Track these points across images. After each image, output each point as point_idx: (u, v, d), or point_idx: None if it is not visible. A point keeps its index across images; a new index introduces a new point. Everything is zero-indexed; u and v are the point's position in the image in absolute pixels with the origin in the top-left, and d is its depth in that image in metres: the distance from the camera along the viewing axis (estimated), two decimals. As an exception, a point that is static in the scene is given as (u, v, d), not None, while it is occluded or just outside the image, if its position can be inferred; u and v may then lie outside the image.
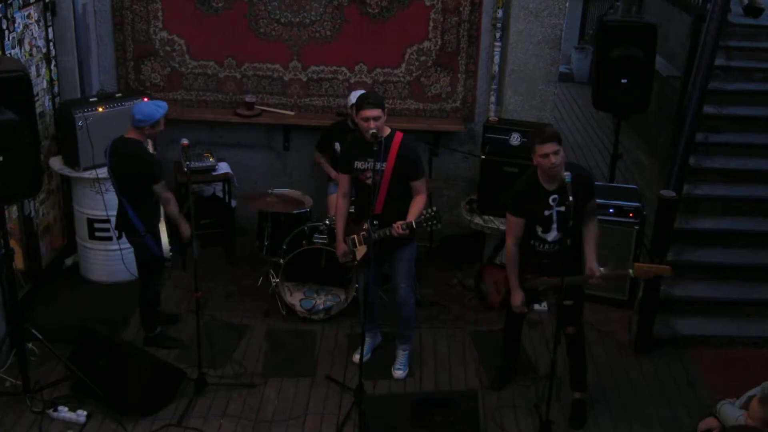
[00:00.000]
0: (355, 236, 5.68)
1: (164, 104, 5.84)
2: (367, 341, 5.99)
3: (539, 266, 5.33)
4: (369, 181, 5.48)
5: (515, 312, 5.49)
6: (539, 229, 5.21)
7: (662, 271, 5.15)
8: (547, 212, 5.14)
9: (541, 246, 5.25)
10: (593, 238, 5.28)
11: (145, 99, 6.90)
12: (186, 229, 5.87)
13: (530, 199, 5.18)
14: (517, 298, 5.37)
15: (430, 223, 5.46)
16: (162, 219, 5.93)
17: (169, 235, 5.99)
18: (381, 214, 5.50)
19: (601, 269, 5.19)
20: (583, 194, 5.08)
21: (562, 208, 5.08)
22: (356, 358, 5.99)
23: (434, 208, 5.48)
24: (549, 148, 4.95)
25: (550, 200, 5.13)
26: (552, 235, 5.19)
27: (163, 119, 5.76)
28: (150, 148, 5.98)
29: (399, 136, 5.52)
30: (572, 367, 5.58)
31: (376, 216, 5.49)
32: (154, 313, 6.14)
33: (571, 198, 4.82)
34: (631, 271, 5.16)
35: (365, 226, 5.47)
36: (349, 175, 5.66)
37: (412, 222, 5.45)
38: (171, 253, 5.96)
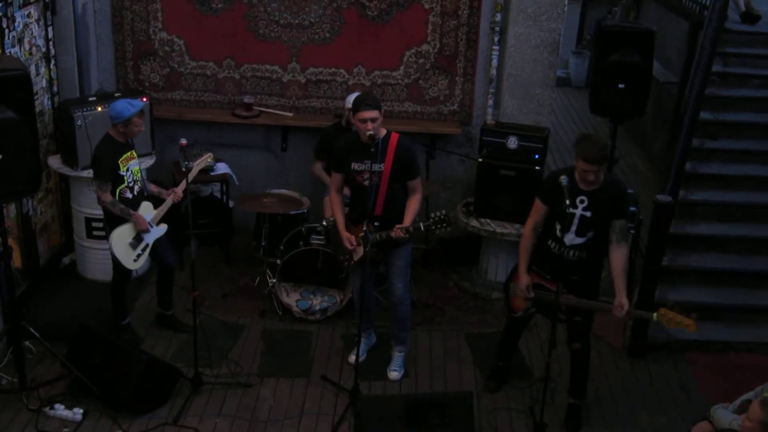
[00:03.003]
0: (354, 237, 5.69)
1: (139, 103, 5.85)
2: (362, 341, 6.01)
3: (554, 272, 5.30)
4: (366, 183, 5.50)
5: (520, 306, 5.53)
6: (558, 227, 5.20)
7: (686, 324, 4.96)
8: (570, 210, 5.09)
9: (557, 248, 5.23)
10: (622, 269, 5.18)
11: (145, 99, 6.93)
12: (137, 219, 5.87)
13: (560, 190, 5.09)
14: (523, 281, 5.37)
15: (438, 226, 5.48)
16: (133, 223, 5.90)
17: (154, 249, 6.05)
18: (380, 215, 5.53)
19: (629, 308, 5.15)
20: (610, 208, 5.10)
21: (588, 213, 5.07)
22: (352, 358, 6.02)
23: (443, 212, 5.49)
24: (589, 167, 4.97)
25: (578, 200, 5.13)
26: (569, 238, 5.15)
27: (137, 119, 5.75)
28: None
29: (395, 136, 5.55)
30: (573, 378, 5.59)
31: (376, 217, 5.52)
32: (116, 305, 6.17)
33: (567, 201, 4.85)
34: (654, 315, 5.07)
35: (364, 228, 5.48)
36: (342, 174, 5.68)
37: (410, 227, 5.48)
38: (127, 264, 5.92)
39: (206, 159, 6.26)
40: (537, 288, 5.39)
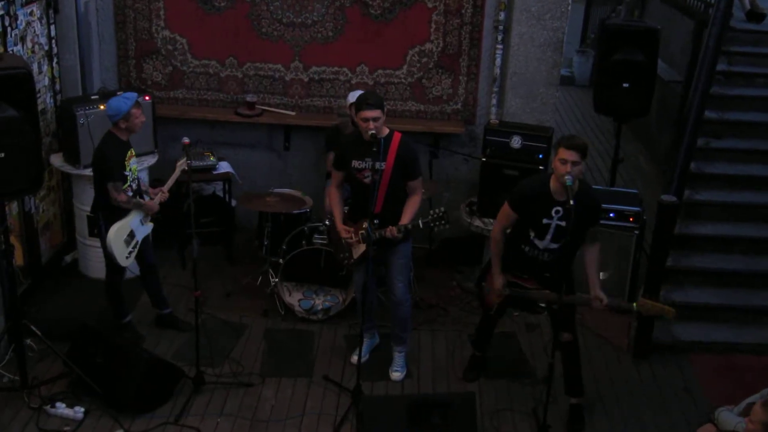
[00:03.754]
0: (352, 229, 5.67)
1: (133, 95, 5.82)
2: (366, 342, 6.01)
3: (529, 273, 5.33)
4: (367, 180, 5.49)
5: (494, 302, 5.53)
6: (532, 234, 5.20)
7: (665, 312, 5.04)
8: (545, 221, 5.13)
9: (532, 252, 5.25)
10: (595, 264, 5.28)
11: (147, 97, 6.92)
12: (149, 206, 5.91)
13: (533, 202, 5.17)
14: (498, 282, 5.39)
15: (438, 223, 5.47)
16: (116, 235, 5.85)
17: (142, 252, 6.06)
18: (380, 213, 5.52)
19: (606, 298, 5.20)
20: (586, 218, 5.07)
21: (563, 223, 5.07)
22: (354, 359, 6.00)
23: (442, 209, 5.50)
24: (570, 155, 4.92)
25: (553, 211, 5.11)
26: (544, 244, 5.19)
27: (135, 110, 5.74)
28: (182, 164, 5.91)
29: (398, 135, 5.54)
30: (568, 374, 5.58)
31: (376, 215, 5.50)
32: (115, 304, 6.17)
33: (572, 202, 4.80)
34: (634, 305, 5.11)
35: (364, 225, 5.46)
36: (343, 172, 5.66)
37: (407, 225, 5.47)
38: (120, 260, 5.89)
39: (184, 163, 6.14)
40: (512, 286, 5.41)
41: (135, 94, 5.87)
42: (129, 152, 5.84)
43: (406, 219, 5.52)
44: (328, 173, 7.02)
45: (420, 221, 5.48)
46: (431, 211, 5.51)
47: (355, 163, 5.55)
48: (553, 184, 5.08)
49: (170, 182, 6.10)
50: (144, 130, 6.76)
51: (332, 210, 5.79)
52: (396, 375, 5.97)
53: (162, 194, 6.05)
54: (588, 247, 5.27)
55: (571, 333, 5.42)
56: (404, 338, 5.99)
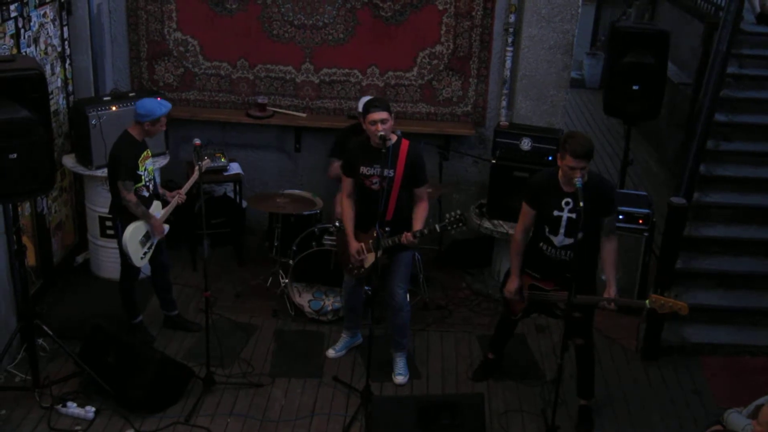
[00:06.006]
0: (364, 244, 5.67)
1: (168, 104, 5.95)
2: (346, 339, 6.22)
3: (548, 273, 5.33)
4: (375, 187, 5.49)
5: (519, 308, 5.53)
6: (547, 229, 5.21)
7: (678, 307, 5.00)
8: (556, 213, 5.14)
9: (549, 250, 5.25)
10: (613, 261, 5.22)
11: (158, 99, 6.95)
12: (157, 226, 5.93)
13: (544, 192, 5.18)
14: (514, 284, 5.39)
15: (455, 226, 5.48)
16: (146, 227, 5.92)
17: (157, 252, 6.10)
18: (391, 220, 5.54)
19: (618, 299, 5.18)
20: (598, 206, 5.06)
21: (574, 215, 5.08)
22: (330, 353, 6.18)
23: (458, 211, 5.51)
24: (578, 164, 4.93)
25: (563, 203, 5.13)
26: (559, 240, 5.19)
27: (164, 118, 5.83)
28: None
29: (406, 142, 5.55)
30: (580, 376, 5.58)
31: (387, 222, 5.51)
32: (127, 304, 6.19)
33: (581, 204, 4.81)
34: (647, 302, 5.07)
35: (375, 234, 5.46)
36: (353, 179, 5.67)
37: (423, 230, 5.48)
38: (135, 261, 5.91)
39: (203, 166, 6.17)
40: (533, 289, 5.40)
41: (170, 105, 6.00)
42: (144, 153, 5.88)
43: (418, 225, 5.53)
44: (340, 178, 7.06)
45: (437, 225, 5.49)
46: (447, 215, 5.51)
47: (364, 170, 5.55)
48: (561, 176, 5.10)
49: (188, 185, 6.12)
50: (155, 131, 6.84)
51: (344, 224, 5.75)
52: (400, 379, 5.96)
53: (180, 197, 6.08)
54: (604, 242, 5.21)
55: (588, 337, 5.41)
56: (403, 344, 5.98)
